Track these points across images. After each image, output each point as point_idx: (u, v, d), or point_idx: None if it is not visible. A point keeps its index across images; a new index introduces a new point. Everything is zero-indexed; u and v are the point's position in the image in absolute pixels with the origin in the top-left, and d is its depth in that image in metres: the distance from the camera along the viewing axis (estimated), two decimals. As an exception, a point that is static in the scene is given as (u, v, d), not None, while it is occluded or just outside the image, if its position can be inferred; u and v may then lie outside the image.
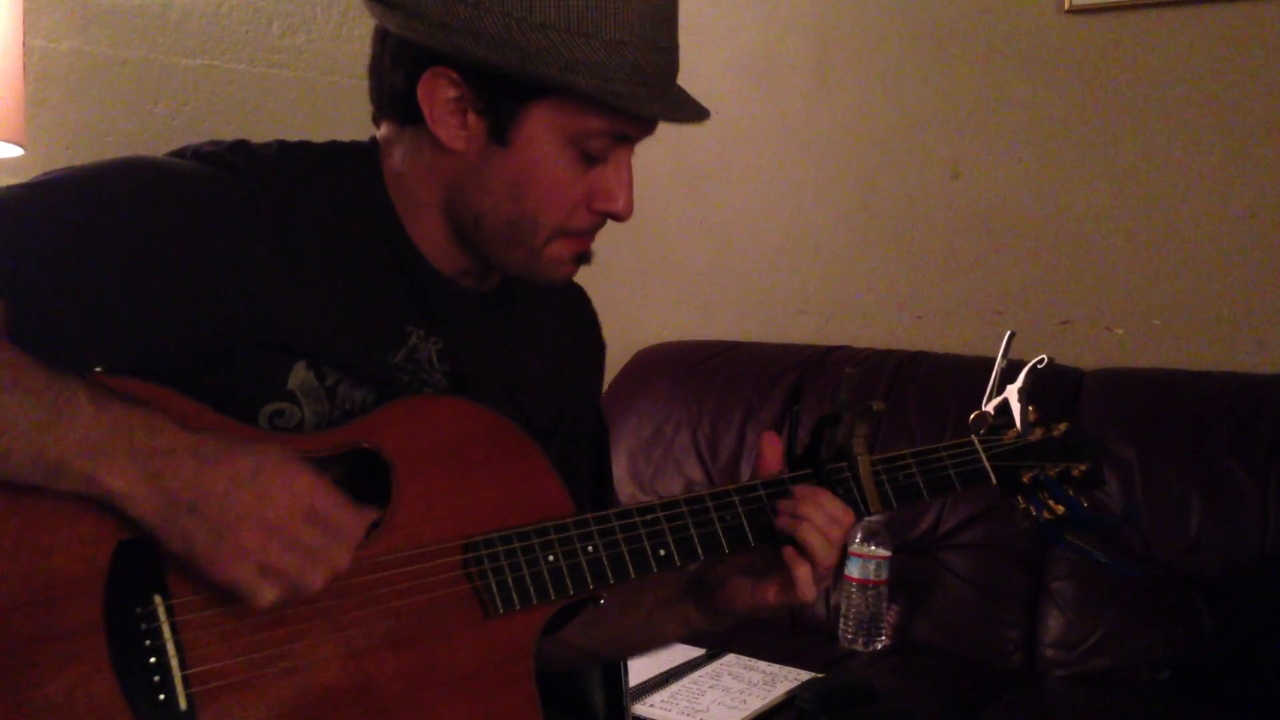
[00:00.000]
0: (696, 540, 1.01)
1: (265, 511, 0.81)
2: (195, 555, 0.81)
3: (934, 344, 2.40)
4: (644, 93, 0.94)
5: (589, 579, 0.97)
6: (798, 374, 2.38)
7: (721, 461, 2.36)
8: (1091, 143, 2.30)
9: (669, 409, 2.42)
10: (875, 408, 1.05)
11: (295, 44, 2.58)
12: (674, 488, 2.37)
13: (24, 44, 1.97)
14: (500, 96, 0.94)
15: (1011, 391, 1.13)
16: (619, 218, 1.00)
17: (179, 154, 0.97)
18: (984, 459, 1.12)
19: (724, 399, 2.40)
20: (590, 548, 0.97)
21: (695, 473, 2.37)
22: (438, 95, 0.96)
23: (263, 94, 2.52)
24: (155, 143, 2.29)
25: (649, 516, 1.00)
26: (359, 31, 2.67)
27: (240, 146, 0.98)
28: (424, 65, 0.95)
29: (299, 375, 0.96)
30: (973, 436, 1.13)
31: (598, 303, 1.24)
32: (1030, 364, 1.14)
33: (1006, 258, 2.38)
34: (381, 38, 0.99)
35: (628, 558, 0.98)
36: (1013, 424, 1.13)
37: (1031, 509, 1.12)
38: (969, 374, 2.16)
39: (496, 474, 0.97)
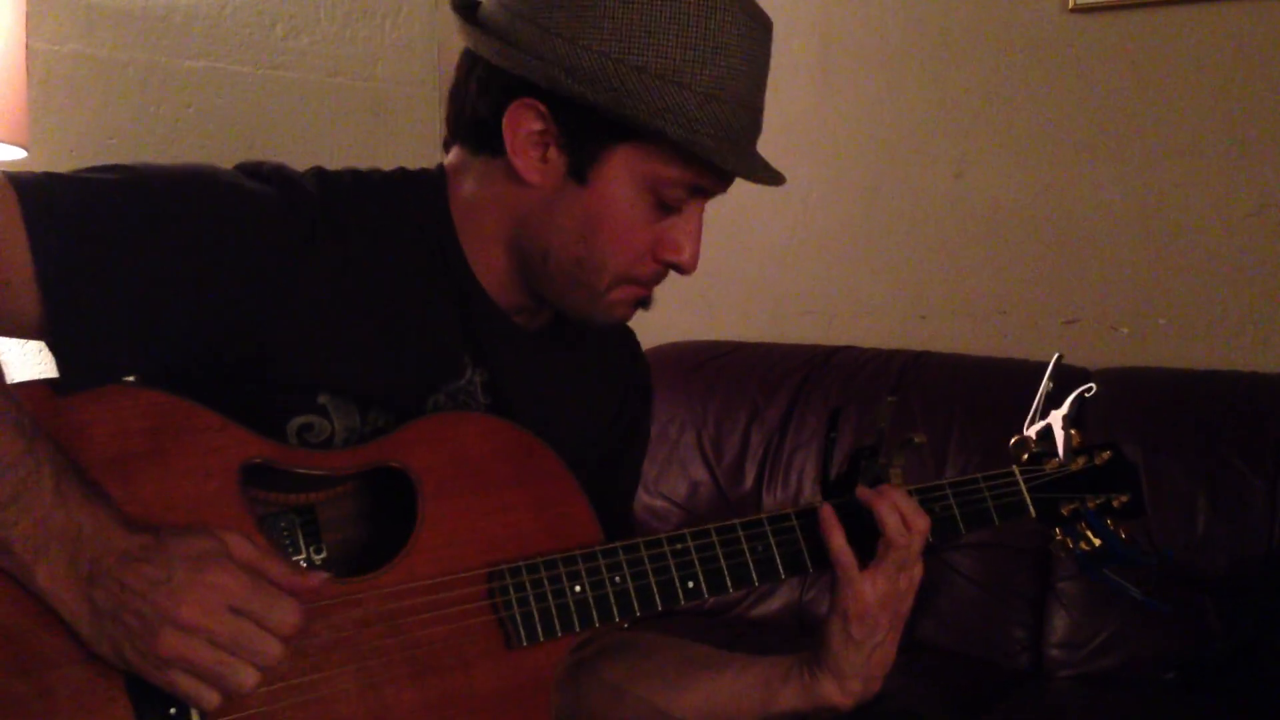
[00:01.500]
0: (726, 572, 0.98)
1: (180, 613, 0.78)
2: (129, 664, 0.80)
3: (939, 344, 2.38)
4: (728, 149, 0.93)
5: (615, 611, 0.95)
6: (802, 375, 2.37)
7: (726, 462, 2.36)
8: (1097, 141, 2.29)
9: (674, 410, 2.41)
10: (916, 440, 1.03)
11: (299, 46, 2.57)
12: (679, 489, 2.37)
13: (27, 46, 1.97)
14: (586, 134, 0.93)
15: (1056, 418, 1.10)
16: (683, 270, 0.98)
17: (253, 169, 0.95)
18: (1025, 492, 1.09)
19: (729, 400, 2.39)
20: (618, 578, 0.95)
21: (700, 473, 2.36)
22: (522, 126, 0.94)
23: (266, 96, 2.52)
24: (160, 145, 2.29)
25: (678, 546, 0.97)
26: (363, 34, 2.67)
27: (315, 174, 0.97)
28: (513, 95, 0.93)
29: (328, 394, 0.95)
30: (1014, 467, 1.10)
31: None
32: (1078, 392, 1.11)
33: (1011, 257, 2.37)
34: (470, 63, 0.98)
35: (655, 589, 0.96)
36: (1054, 451, 1.10)
37: (1069, 541, 1.10)
38: (974, 374, 2.26)
39: (526, 495, 0.96)
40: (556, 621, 0.93)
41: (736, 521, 1.00)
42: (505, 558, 0.93)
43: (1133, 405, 2.05)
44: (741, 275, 2.67)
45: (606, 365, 1.15)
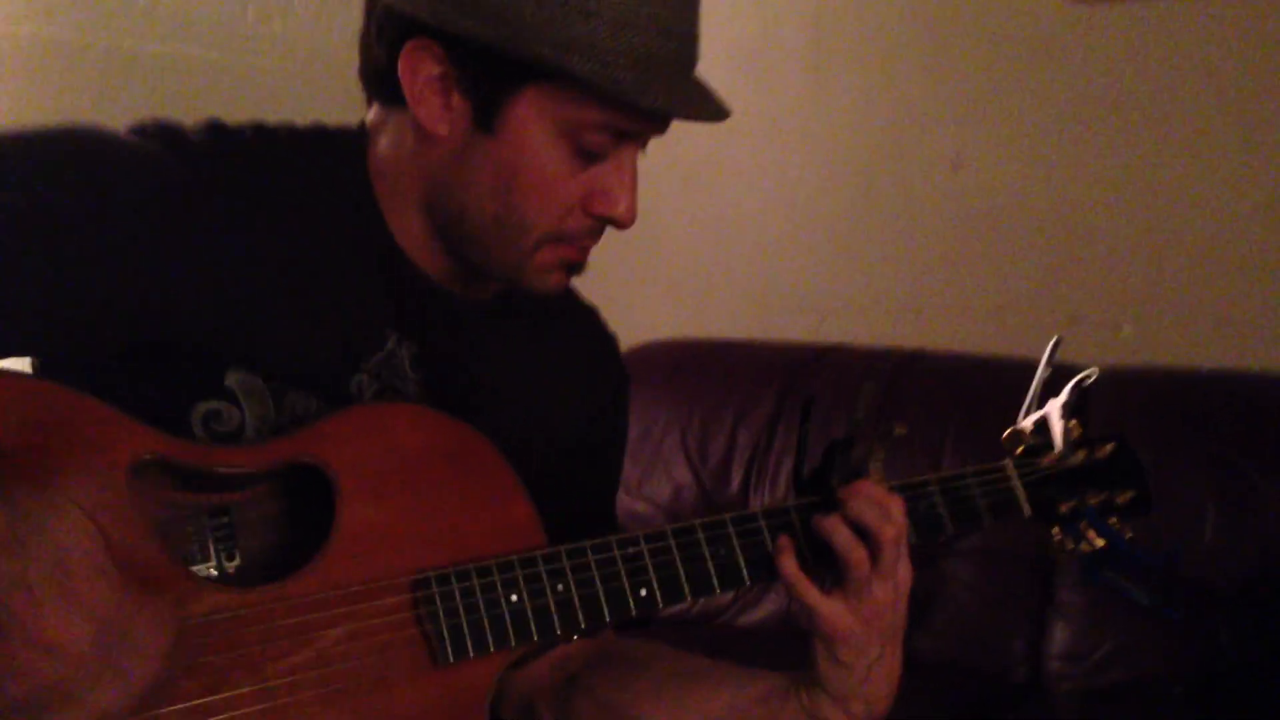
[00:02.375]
0: (683, 578, 0.90)
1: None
2: None
3: (934, 342, 2.35)
4: (650, 82, 0.85)
5: (556, 624, 0.87)
6: (792, 375, 2.34)
7: (712, 464, 2.33)
8: (1097, 134, 2.26)
9: (657, 410, 2.39)
10: (896, 431, 0.96)
11: (272, 31, 2.50)
12: (662, 491, 2.35)
13: (-21, 27, 1.89)
14: (487, 77, 0.86)
15: (1054, 407, 1.03)
16: (619, 224, 0.91)
17: (138, 127, 0.89)
18: (1018, 487, 1.01)
19: (715, 399, 2.37)
20: (560, 586, 0.87)
21: (684, 476, 2.34)
22: (420, 71, 0.87)
23: (237, 84, 2.44)
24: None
25: (630, 551, 0.89)
26: (341, 19, 2.59)
27: (209, 126, 0.91)
28: (407, 35, 0.87)
29: (238, 373, 0.88)
30: (1007, 460, 1.03)
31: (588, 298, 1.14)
32: (1077, 378, 1.04)
33: (1009, 253, 2.34)
34: (370, 5, 0.91)
35: (604, 598, 0.88)
36: (1051, 444, 1.03)
37: (1069, 541, 1.03)
38: (971, 373, 2.23)
39: (460, 495, 0.89)
40: (489, 635, 0.85)
41: (696, 522, 0.93)
42: (433, 564, 0.86)
43: (1136, 407, 2.01)
44: (729, 271, 2.66)
45: (571, 344, 1.08)
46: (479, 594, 0.85)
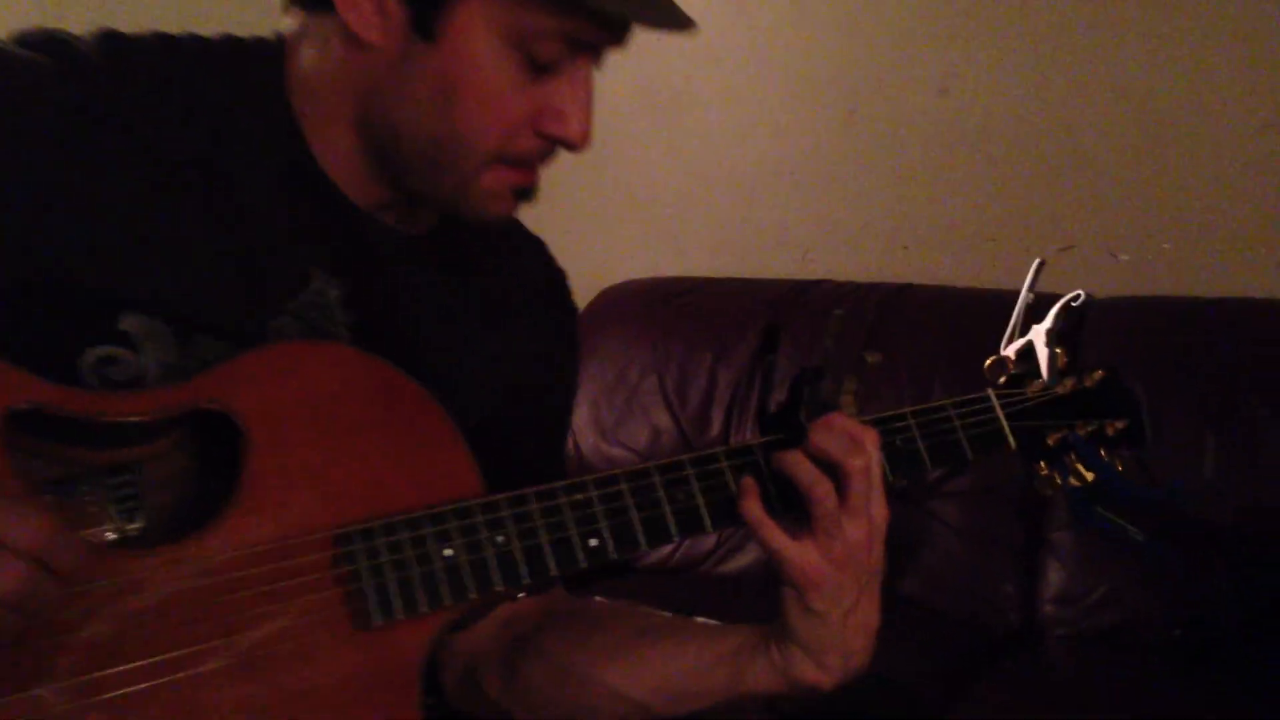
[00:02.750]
0: (638, 526, 0.83)
1: None
2: None
3: (923, 275, 2.31)
4: None
5: (497, 578, 0.80)
6: (774, 312, 2.28)
7: (691, 408, 2.29)
8: (1093, 51, 2.20)
9: (634, 352, 2.36)
10: (869, 360, 0.92)
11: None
12: (639, 437, 2.31)
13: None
14: None
15: (1038, 333, 0.98)
16: (572, 145, 0.83)
17: (22, 36, 0.80)
18: (1002, 418, 0.96)
19: (694, 340, 2.33)
20: (501, 538, 0.80)
21: (663, 420, 2.30)
22: None
23: (178, 8, 2.31)
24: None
25: (579, 497, 0.82)
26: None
27: (103, 36, 0.82)
28: None
29: (136, 316, 0.80)
30: (989, 390, 0.98)
31: (554, 237, 1.09)
32: (1063, 300, 1.00)
33: (1001, 179, 2.29)
34: None
35: (548, 550, 0.81)
36: (1037, 373, 0.99)
37: (1056, 476, 0.98)
38: (961, 306, 2.18)
39: (387, 440, 0.82)
40: (420, 593, 0.78)
41: (652, 465, 0.85)
42: (357, 517, 0.78)
43: (1134, 338, 1.98)
44: (708, 205, 2.60)
45: (515, 280, 1.00)
46: (408, 548, 0.78)
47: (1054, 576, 1.92)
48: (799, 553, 0.81)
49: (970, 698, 1.69)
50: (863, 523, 0.82)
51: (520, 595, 0.89)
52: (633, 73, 2.53)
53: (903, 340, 2.12)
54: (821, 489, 0.81)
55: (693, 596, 1.90)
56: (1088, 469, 0.97)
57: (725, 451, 0.86)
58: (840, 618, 0.82)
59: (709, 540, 2.15)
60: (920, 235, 2.37)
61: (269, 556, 0.76)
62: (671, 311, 2.39)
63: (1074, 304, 0.99)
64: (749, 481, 0.84)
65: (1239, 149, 2.08)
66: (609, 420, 2.31)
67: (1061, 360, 0.98)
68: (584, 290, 2.53)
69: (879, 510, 0.83)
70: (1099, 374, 1.00)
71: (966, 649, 1.83)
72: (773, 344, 0.97)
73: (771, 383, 0.94)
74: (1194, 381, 1.87)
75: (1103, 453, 0.98)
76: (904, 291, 2.24)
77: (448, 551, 0.79)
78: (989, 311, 1.96)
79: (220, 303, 0.82)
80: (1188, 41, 2.11)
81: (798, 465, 0.82)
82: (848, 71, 2.43)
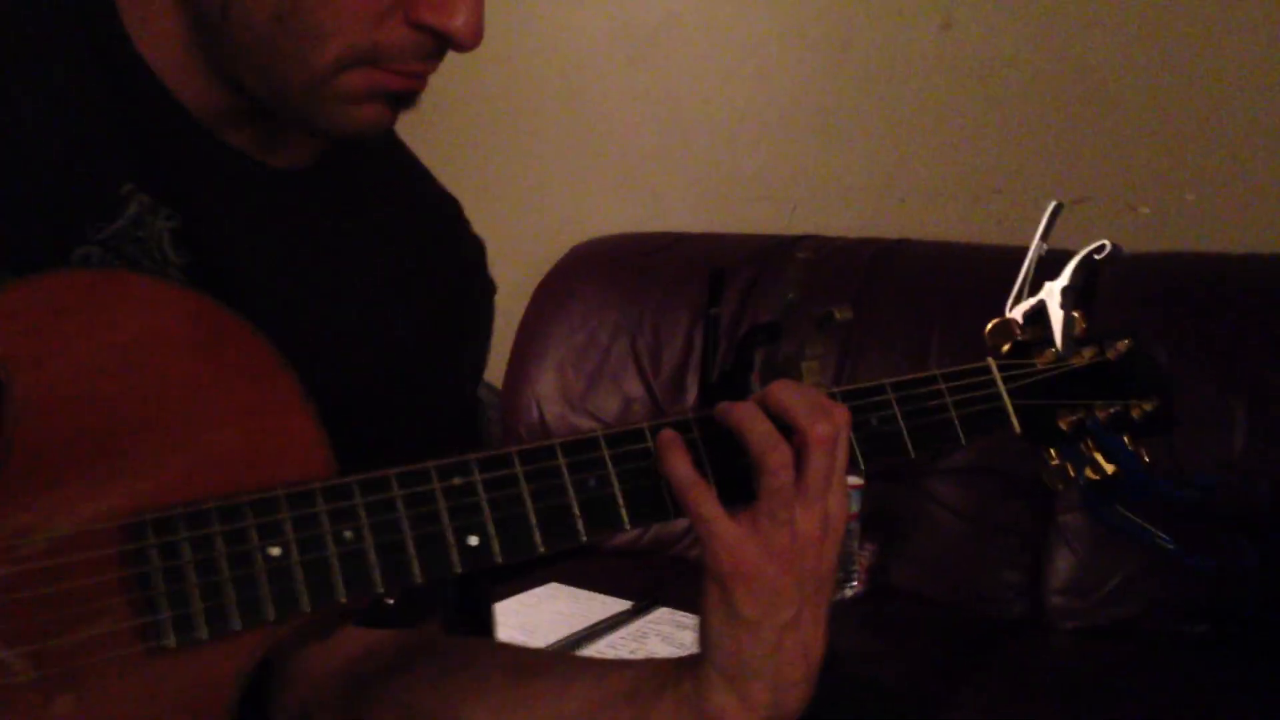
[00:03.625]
0: (534, 519, 0.68)
1: None
2: None
3: (920, 230, 2.24)
4: None
5: (340, 586, 0.64)
6: (758, 270, 2.16)
7: (665, 374, 2.20)
8: None
9: (605, 313, 2.27)
10: (837, 316, 0.82)
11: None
12: (609, 405, 2.21)
13: None
14: None
15: (1052, 292, 0.88)
16: (456, 42, 0.69)
17: None
18: (1004, 394, 0.84)
19: (669, 301, 2.23)
20: (349, 533, 0.64)
21: (634, 387, 2.21)
22: None
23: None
24: None
25: (457, 482, 0.67)
26: None
27: None
28: None
29: None
30: (989, 359, 0.86)
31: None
32: (1084, 253, 0.90)
33: (1009, 124, 2.20)
34: None
35: (412, 548, 0.65)
36: (1050, 340, 0.88)
37: (1069, 467, 0.88)
38: (961, 263, 2.09)
39: (205, 405, 0.67)
40: (235, 606, 0.62)
41: (556, 442, 0.69)
42: (158, 501, 0.63)
43: (1155, 299, 1.90)
44: (687, 154, 2.53)
45: (415, 240, 0.87)
46: (220, 544, 0.62)
47: (1063, 563, 1.84)
48: (734, 533, 0.66)
49: (965, 693, 1.58)
50: (816, 512, 0.67)
51: (388, 601, 0.71)
52: (605, 12, 2.48)
53: (895, 302, 2.03)
54: (777, 457, 0.66)
55: (663, 582, 1.80)
56: (1108, 460, 0.87)
57: (652, 425, 0.70)
58: (775, 633, 0.67)
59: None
60: (918, 186, 2.29)
61: (36, 553, 0.60)
62: (645, 270, 2.30)
63: (1097, 256, 0.88)
64: (669, 435, 0.69)
65: (1269, 91, 1.98)
66: (577, 387, 2.23)
67: (1080, 326, 0.87)
68: (553, 247, 2.51)
69: (838, 504, 0.68)
70: (1125, 343, 0.88)
71: (964, 640, 1.74)
72: (716, 295, 0.83)
73: (716, 347, 0.79)
74: (1221, 347, 1.78)
75: (1127, 440, 0.86)
76: (898, 247, 2.15)
77: (274, 550, 0.63)
78: (993, 270, 1.79)
79: (6, 227, 0.68)
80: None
81: (752, 422, 0.67)
82: (840, 5, 2.35)
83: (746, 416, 0.68)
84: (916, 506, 1.93)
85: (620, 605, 1.72)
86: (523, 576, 1.80)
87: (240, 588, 0.62)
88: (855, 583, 1.85)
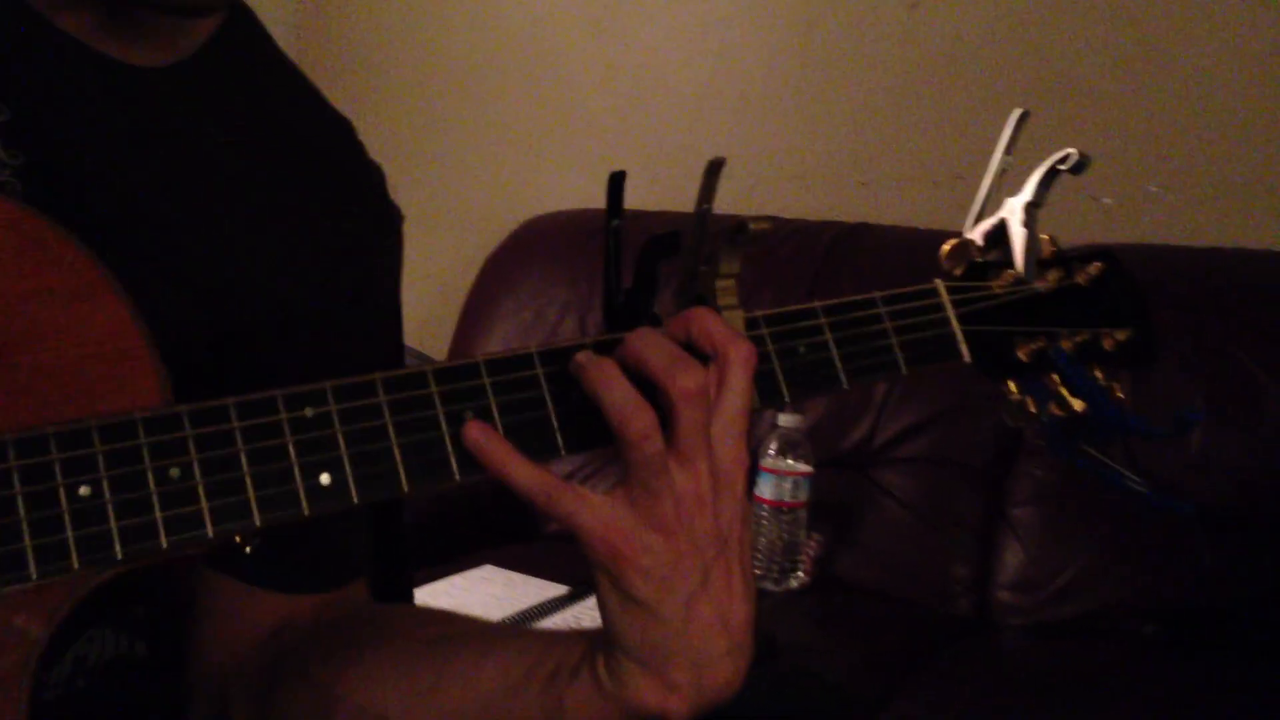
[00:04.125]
0: (398, 455, 0.60)
1: None
2: None
3: (881, 214, 2.21)
4: None
5: (160, 532, 0.56)
6: (711, 246, 2.08)
7: None
8: None
9: (554, 290, 2.25)
10: (752, 228, 0.71)
11: None
12: None
13: None
14: None
15: (1014, 209, 0.79)
16: None
17: None
18: (952, 318, 0.76)
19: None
20: (175, 469, 0.57)
21: None
22: None
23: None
24: None
25: (308, 413, 0.59)
26: None
27: None
28: None
29: None
30: (936, 280, 0.77)
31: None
32: (1048, 163, 0.80)
33: (974, 107, 2.16)
34: None
35: (251, 487, 0.58)
36: (1009, 261, 0.80)
37: (1029, 400, 0.79)
38: (922, 250, 1.96)
39: (16, 324, 0.59)
40: (29, 553, 0.54)
41: (428, 369, 0.61)
42: None
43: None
44: (643, 132, 2.49)
45: (305, 153, 0.79)
46: (17, 483, 0.54)
47: (1012, 558, 1.81)
48: (604, 515, 0.58)
49: (908, 689, 1.54)
50: (702, 470, 0.59)
51: (246, 550, 0.63)
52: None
53: (854, 286, 1.91)
54: (637, 426, 0.58)
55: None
56: (1074, 394, 0.78)
57: (540, 352, 0.62)
58: (680, 611, 0.59)
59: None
60: (882, 169, 2.27)
61: None
62: (598, 247, 2.20)
63: (1062, 167, 0.77)
64: (478, 426, 0.60)
65: (1238, 78, 1.97)
66: (522, 367, 2.17)
67: (1047, 247, 0.77)
68: (504, 221, 2.46)
69: (729, 452, 0.59)
70: (1097, 265, 0.79)
71: (909, 636, 1.71)
72: (617, 204, 0.77)
73: (619, 260, 0.74)
74: (1182, 339, 1.74)
75: (1099, 374, 0.77)
76: (858, 231, 2.12)
77: (83, 490, 0.55)
78: (953, 256, 1.88)
79: None
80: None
81: (607, 388, 0.58)
82: (804, -18, 2.32)
83: (600, 380, 0.59)
84: (866, 496, 1.91)
85: (557, 590, 1.69)
86: (456, 559, 1.75)
87: (38, 530, 0.54)
88: (801, 573, 1.83)
